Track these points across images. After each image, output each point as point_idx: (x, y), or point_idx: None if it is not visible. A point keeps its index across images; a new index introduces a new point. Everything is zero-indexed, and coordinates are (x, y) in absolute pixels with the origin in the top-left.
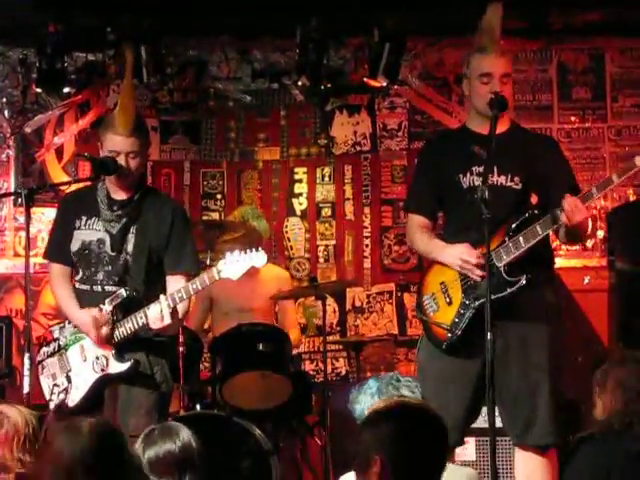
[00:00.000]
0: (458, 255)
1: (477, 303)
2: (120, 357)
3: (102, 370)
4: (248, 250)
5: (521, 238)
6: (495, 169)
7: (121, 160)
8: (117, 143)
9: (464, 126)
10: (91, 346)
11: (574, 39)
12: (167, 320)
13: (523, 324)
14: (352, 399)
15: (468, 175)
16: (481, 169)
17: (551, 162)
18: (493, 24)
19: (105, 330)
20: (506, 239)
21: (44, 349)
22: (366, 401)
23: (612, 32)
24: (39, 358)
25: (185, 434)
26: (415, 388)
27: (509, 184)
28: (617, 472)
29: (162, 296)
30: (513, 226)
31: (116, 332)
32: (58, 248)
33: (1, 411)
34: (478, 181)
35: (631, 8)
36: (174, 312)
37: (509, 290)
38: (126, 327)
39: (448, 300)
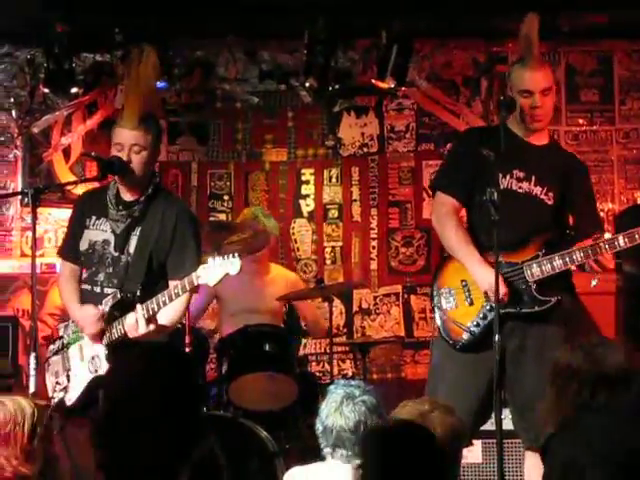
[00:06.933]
0: (491, 282)
1: (501, 312)
2: (111, 358)
3: (95, 371)
4: (226, 257)
5: (559, 260)
6: (533, 178)
7: (124, 154)
8: (121, 135)
9: (506, 126)
10: (88, 346)
11: (582, 42)
12: (142, 329)
13: (541, 327)
14: None
15: (508, 177)
16: (522, 174)
17: (583, 189)
18: (529, 35)
19: (100, 325)
20: (540, 254)
21: (50, 347)
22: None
23: (620, 35)
24: (47, 355)
25: None
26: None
27: (542, 197)
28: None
29: (138, 305)
30: (548, 243)
31: (107, 334)
32: (70, 247)
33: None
34: (516, 186)
35: (639, 11)
36: (151, 320)
37: (537, 309)
38: (112, 332)
39: (469, 300)
